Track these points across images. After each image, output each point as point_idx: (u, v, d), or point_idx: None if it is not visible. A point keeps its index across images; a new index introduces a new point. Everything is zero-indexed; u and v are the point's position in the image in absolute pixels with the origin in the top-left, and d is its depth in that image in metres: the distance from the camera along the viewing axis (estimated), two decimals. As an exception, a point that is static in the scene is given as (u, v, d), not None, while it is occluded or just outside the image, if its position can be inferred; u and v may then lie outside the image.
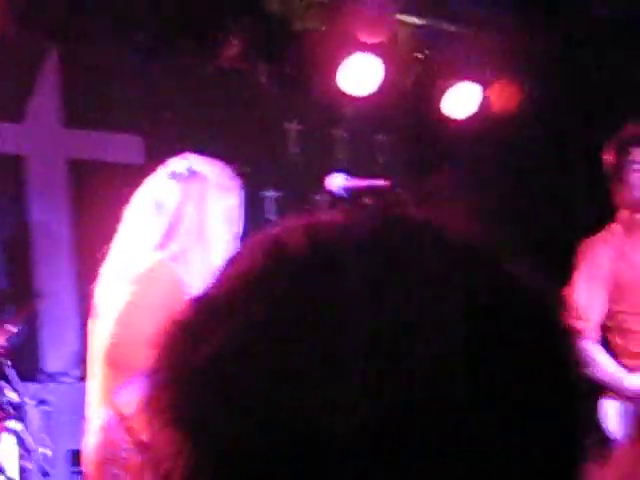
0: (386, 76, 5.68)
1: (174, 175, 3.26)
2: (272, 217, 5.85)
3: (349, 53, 5.55)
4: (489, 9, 6.02)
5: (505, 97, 6.26)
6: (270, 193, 5.86)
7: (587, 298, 4.73)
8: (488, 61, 6.05)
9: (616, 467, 1.09)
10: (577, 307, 4.72)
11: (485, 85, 6.10)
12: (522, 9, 6.13)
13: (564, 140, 6.76)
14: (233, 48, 5.49)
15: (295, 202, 5.90)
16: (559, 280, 4.83)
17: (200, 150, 3.42)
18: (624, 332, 4.76)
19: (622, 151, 4.76)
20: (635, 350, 4.68)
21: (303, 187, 5.56)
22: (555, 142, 6.75)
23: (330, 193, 3.60)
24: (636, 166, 4.71)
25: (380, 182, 3.49)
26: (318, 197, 5.72)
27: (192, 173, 3.27)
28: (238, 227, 3.32)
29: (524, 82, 6.28)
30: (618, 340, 4.79)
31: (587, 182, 6.53)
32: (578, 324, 4.70)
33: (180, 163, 3.29)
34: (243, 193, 3.36)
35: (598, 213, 5.00)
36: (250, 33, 5.53)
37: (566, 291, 4.80)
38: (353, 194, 3.53)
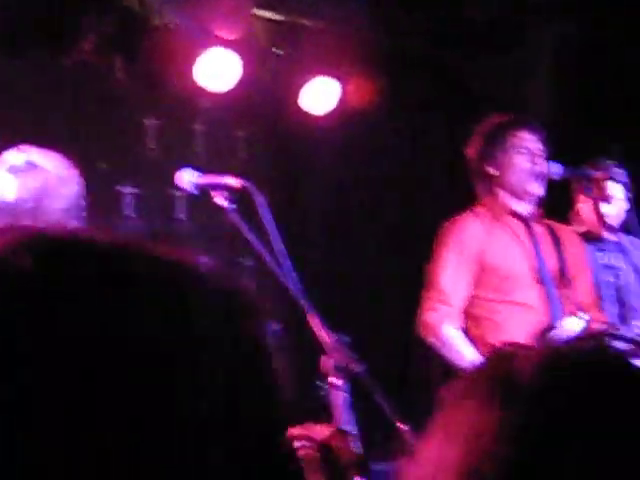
0: (244, 71, 5.67)
1: (12, 169, 3.20)
2: (130, 213, 5.80)
3: (206, 48, 5.53)
4: (347, 4, 6.06)
5: (364, 92, 6.31)
6: (127, 189, 5.81)
7: (452, 282, 4.68)
8: (346, 56, 6.09)
9: (421, 464, 1.12)
10: (442, 291, 4.70)
11: (344, 80, 6.13)
12: (380, 3, 6.19)
13: (424, 133, 6.84)
14: (88, 43, 5.42)
15: (153, 198, 5.86)
16: (418, 269, 4.86)
17: (55, 147, 3.37)
18: (478, 319, 4.71)
19: (498, 138, 4.80)
20: (490, 340, 4.56)
21: (161, 183, 5.52)
22: (415, 136, 6.83)
23: (182, 189, 3.60)
24: (519, 150, 4.75)
25: (232, 180, 3.50)
26: (176, 193, 5.69)
27: (30, 166, 3.21)
28: (82, 217, 3.28)
29: (383, 77, 6.34)
30: (473, 328, 4.72)
31: (448, 175, 6.64)
32: (441, 309, 4.66)
33: (17, 156, 3.23)
34: (96, 188, 3.34)
35: (460, 205, 5.07)
36: (106, 28, 5.47)
37: (431, 274, 4.75)
38: (203, 191, 3.54)
